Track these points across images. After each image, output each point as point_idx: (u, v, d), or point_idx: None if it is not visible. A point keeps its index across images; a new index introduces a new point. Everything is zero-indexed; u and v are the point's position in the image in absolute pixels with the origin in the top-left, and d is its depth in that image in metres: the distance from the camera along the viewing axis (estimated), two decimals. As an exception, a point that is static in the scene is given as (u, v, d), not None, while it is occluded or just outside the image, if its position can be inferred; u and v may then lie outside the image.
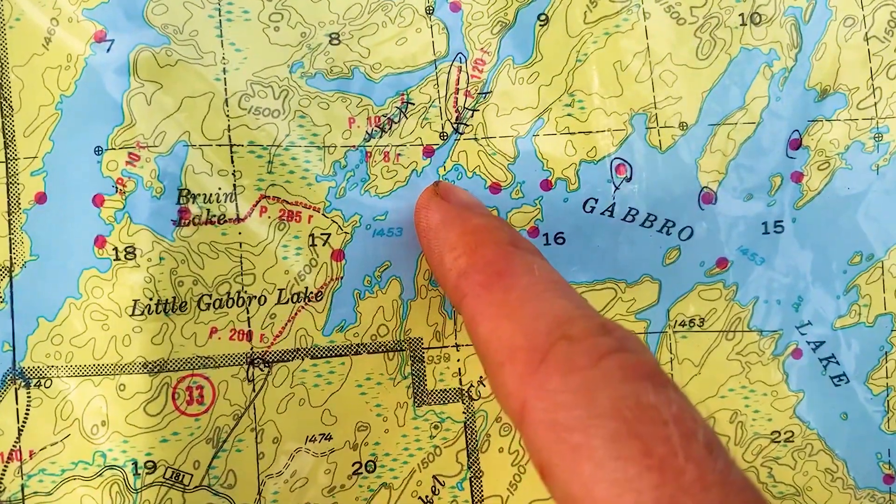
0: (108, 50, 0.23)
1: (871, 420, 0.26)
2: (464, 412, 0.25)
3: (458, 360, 0.25)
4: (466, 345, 0.25)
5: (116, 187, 0.23)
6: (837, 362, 0.26)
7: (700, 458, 0.15)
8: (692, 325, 0.26)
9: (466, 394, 0.25)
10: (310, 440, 0.24)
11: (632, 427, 0.15)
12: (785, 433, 0.26)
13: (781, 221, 0.26)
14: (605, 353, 0.17)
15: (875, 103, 0.26)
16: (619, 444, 0.15)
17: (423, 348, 0.25)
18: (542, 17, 0.25)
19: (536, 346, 0.17)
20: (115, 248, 0.23)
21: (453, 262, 0.21)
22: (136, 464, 0.23)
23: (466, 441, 0.25)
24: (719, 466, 0.15)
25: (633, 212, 0.25)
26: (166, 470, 0.23)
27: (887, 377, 0.26)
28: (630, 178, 0.25)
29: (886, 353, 0.26)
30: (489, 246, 0.21)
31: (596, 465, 0.15)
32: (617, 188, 0.25)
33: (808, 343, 0.26)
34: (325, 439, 0.24)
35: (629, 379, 0.16)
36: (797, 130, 0.26)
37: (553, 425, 0.16)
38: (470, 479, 0.25)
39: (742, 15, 0.25)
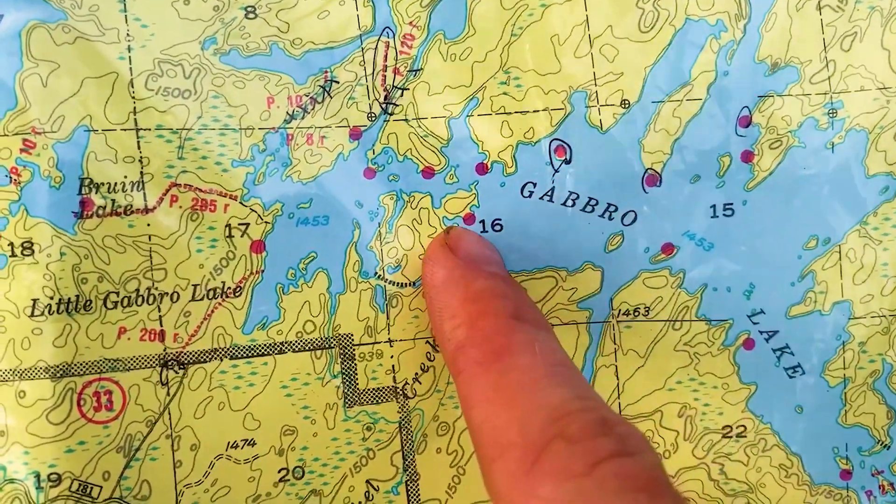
0: (-3, 27, 0.21)
1: (828, 413, 0.25)
2: (398, 412, 0.24)
3: (392, 357, 0.24)
4: (400, 340, 0.24)
5: (10, 177, 0.22)
6: (792, 353, 0.25)
7: None
8: (637, 314, 0.24)
9: (401, 392, 0.24)
10: (231, 446, 0.23)
11: None
12: (737, 428, 0.25)
13: (731, 204, 0.24)
14: (603, 457, 0.16)
15: (829, 77, 0.24)
16: None
17: (353, 345, 0.24)
18: (475, -12, 0.24)
19: (530, 444, 0.17)
20: (11, 244, 0.22)
21: (452, 333, 0.20)
22: (38, 476, 0.22)
23: (402, 442, 0.24)
24: None
25: (574, 196, 0.24)
26: (72, 482, 0.22)
27: (844, 368, 0.25)
28: (569, 161, 0.24)
29: (844, 342, 0.25)
30: (490, 318, 0.20)
31: None
32: (556, 171, 0.24)
33: (761, 333, 0.25)
34: (249, 445, 0.23)
35: (625, 490, 0.16)
36: (747, 107, 0.24)
37: None
38: (406, 482, 0.24)
39: (688, -17, 0.24)
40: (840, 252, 0.25)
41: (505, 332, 0.20)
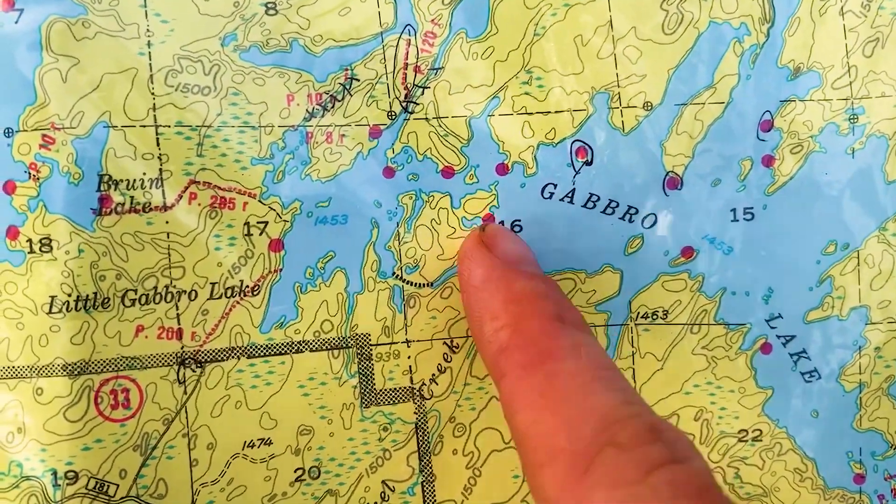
0: (17, 21, 0.21)
1: (843, 418, 0.25)
2: (415, 412, 0.24)
3: (409, 357, 0.24)
4: (417, 340, 0.24)
5: (29, 173, 0.21)
6: (808, 357, 0.25)
7: None
8: (655, 317, 0.24)
9: (418, 393, 0.24)
10: (248, 445, 0.23)
11: None
12: (752, 432, 0.25)
13: (751, 208, 0.24)
14: (655, 465, 0.16)
15: (850, 82, 0.24)
16: None
17: (370, 345, 0.23)
18: (498, -13, 0.23)
19: (581, 451, 0.16)
20: (30, 240, 0.21)
21: (494, 335, 0.20)
22: (55, 474, 0.21)
23: (418, 443, 0.24)
24: None
25: (594, 198, 0.24)
26: (89, 480, 0.22)
27: (860, 373, 0.25)
28: (591, 162, 0.24)
29: (860, 347, 0.25)
30: (534, 320, 0.20)
31: None
32: (577, 172, 0.24)
33: (778, 337, 0.25)
34: (265, 444, 0.23)
35: (678, 497, 0.15)
36: (769, 111, 0.24)
37: None
38: (422, 483, 0.24)
39: (711, -14, 0.24)
40: (859, 257, 0.25)
41: (550, 335, 0.19)
